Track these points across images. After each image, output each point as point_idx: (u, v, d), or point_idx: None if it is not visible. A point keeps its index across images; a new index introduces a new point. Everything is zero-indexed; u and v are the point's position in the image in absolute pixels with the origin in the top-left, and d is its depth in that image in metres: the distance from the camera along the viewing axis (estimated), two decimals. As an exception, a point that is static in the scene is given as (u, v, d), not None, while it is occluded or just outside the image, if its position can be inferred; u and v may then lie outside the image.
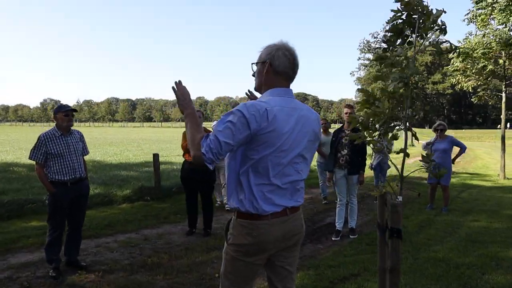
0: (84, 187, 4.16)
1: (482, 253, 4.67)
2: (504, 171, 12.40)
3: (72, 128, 4.09)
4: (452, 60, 12.38)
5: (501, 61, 11.42)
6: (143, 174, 10.31)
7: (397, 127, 2.51)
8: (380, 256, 2.64)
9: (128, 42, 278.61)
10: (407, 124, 2.41)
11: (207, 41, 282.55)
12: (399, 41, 2.67)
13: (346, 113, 5.59)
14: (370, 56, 77.92)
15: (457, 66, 12.01)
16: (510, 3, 9.64)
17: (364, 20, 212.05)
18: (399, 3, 2.48)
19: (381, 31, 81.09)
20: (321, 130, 7.75)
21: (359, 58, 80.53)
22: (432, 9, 2.45)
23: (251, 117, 1.75)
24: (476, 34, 11.72)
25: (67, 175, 3.92)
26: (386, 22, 2.73)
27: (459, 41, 12.12)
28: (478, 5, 10.96)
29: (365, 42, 76.73)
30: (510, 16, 9.53)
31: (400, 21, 2.54)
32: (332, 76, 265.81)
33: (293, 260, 2.11)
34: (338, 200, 5.77)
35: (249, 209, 1.87)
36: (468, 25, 11.75)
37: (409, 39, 2.66)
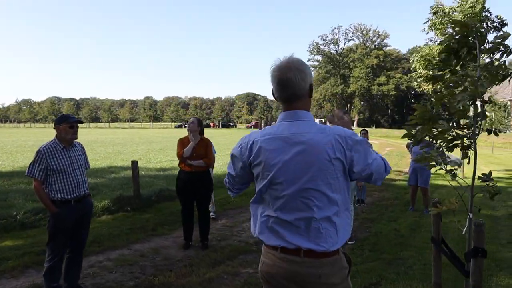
0: (88, 205, 3.79)
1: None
2: (463, 170, 13.13)
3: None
4: (414, 66, 12.99)
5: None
6: (114, 182, 9.73)
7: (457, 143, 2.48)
8: (435, 271, 2.63)
9: (69, 42, 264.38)
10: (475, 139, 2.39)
11: (154, 40, 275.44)
12: (454, 61, 2.65)
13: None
14: (319, 57, 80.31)
15: (420, 73, 12.62)
16: (467, 15, 10.29)
17: (313, 22, 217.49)
18: (454, 24, 2.48)
19: (329, 34, 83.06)
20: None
21: (309, 60, 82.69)
22: (489, 29, 2.47)
23: (239, 149, 1.84)
24: (434, 41, 12.41)
25: (71, 193, 3.54)
26: (439, 43, 2.70)
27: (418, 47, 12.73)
28: (436, 15, 11.59)
29: (315, 44, 79.04)
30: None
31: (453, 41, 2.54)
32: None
33: None
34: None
35: (259, 237, 1.84)
36: (427, 33, 12.40)
37: (462, 59, 2.64)
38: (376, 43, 79.60)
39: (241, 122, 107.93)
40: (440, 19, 11.40)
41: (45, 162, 3.45)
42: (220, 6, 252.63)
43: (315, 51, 79.99)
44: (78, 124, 3.67)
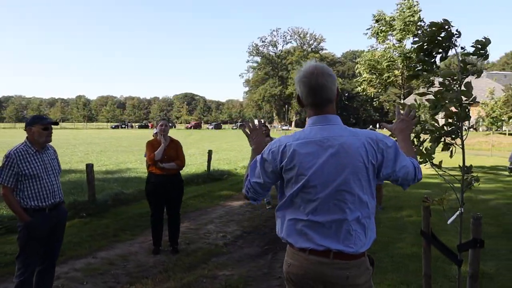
0: (62, 213, 3.53)
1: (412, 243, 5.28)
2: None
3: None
4: (357, 70, 13.70)
5: (396, 72, 13.04)
6: (62, 187, 9.07)
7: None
8: (426, 263, 2.82)
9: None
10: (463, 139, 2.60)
11: (84, 39, 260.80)
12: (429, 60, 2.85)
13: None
14: (258, 59, 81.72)
15: (365, 77, 13.32)
16: (406, 23, 11.07)
17: (250, 23, 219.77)
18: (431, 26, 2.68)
19: (268, 36, 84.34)
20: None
21: (248, 61, 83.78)
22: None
23: (270, 154, 1.80)
24: (376, 48, 13.18)
25: (46, 200, 3.28)
26: (412, 43, 2.90)
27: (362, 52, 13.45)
28: (379, 23, 12.33)
29: (254, 45, 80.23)
30: (407, 34, 10.99)
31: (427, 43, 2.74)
32: (219, 77, 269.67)
33: None
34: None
35: (286, 240, 1.85)
36: (369, 39, 13.14)
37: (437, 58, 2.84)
38: (313, 47, 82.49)
39: (181, 123, 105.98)
40: (382, 27, 12.13)
41: (16, 167, 3.16)
42: (156, 5, 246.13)
43: (254, 52, 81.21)
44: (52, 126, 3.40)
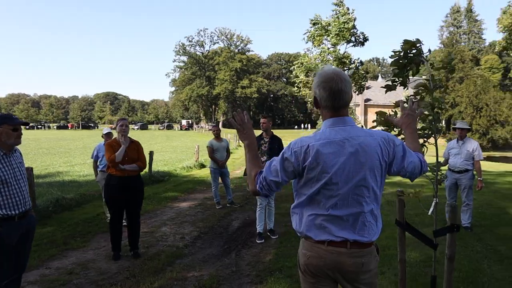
0: (32, 221, 3.27)
1: (386, 236, 5.75)
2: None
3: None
4: (295, 72, 14.24)
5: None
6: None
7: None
8: (401, 249, 3.12)
9: None
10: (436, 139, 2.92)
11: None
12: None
13: (263, 123, 5.96)
14: (185, 58, 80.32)
15: (302, 79, 13.88)
16: (341, 29, 11.83)
17: (178, 23, 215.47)
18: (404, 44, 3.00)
19: (195, 35, 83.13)
20: (215, 136, 7.95)
21: (174, 60, 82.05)
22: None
23: (293, 155, 1.90)
24: (311, 51, 13.85)
25: (15, 208, 3.02)
26: (391, 64, 3.21)
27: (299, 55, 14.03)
28: (315, 26, 12.97)
29: (181, 44, 78.71)
30: (342, 40, 11.73)
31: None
32: (143, 76, 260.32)
33: None
34: (258, 204, 6.04)
35: (304, 234, 1.98)
36: (306, 42, 13.76)
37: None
38: (239, 48, 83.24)
39: (104, 123, 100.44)
40: (317, 31, 12.79)
41: (-18, 171, 2.88)
42: (75, 1, 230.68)
43: (181, 51, 79.76)
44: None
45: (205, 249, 5.48)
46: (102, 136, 6.59)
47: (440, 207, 5.34)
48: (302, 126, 79.86)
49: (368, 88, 51.77)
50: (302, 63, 12.72)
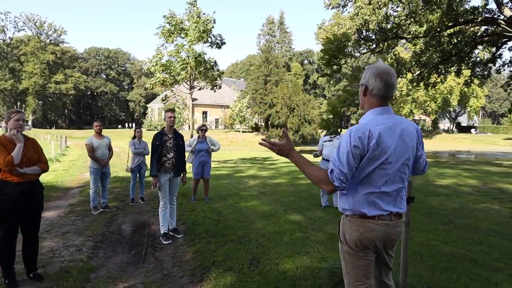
0: None
1: (281, 222, 6.27)
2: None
3: None
4: (147, 69, 13.64)
5: (184, 73, 13.80)
6: None
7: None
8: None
9: None
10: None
11: None
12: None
13: (170, 117, 5.69)
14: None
15: (159, 77, 13.36)
16: (201, 31, 11.97)
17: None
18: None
19: None
20: (97, 133, 7.11)
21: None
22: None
23: (359, 140, 2.10)
24: (166, 47, 13.53)
25: None
26: (321, 51, 3.63)
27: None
28: (170, 24, 12.72)
29: None
30: (200, 41, 11.90)
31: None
32: None
33: (392, 260, 2.39)
34: (162, 203, 5.74)
35: (358, 211, 2.20)
36: (160, 38, 13.31)
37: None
38: (52, 38, 74.00)
39: None
40: (172, 28, 12.58)
41: None
42: None
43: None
44: None
45: (113, 258, 4.93)
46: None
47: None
48: (127, 125, 76.20)
49: (193, 88, 53.54)
50: (157, 61, 12.32)
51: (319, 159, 7.65)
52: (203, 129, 8.24)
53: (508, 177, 12.39)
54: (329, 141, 7.34)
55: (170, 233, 5.77)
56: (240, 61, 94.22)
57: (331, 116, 3.41)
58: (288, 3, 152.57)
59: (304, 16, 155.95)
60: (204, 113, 61.99)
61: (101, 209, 7.28)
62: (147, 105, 75.30)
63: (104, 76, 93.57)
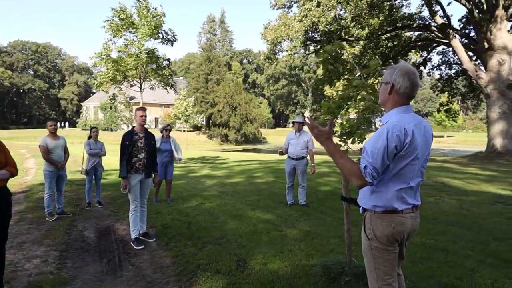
0: None
1: (253, 222, 6.25)
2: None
3: None
4: (94, 65, 12.91)
5: (131, 72, 13.23)
6: None
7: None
8: (347, 221, 3.68)
9: None
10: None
11: None
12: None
13: (141, 116, 5.43)
14: None
15: (108, 74, 12.69)
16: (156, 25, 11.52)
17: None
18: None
19: None
20: (52, 133, 6.57)
21: None
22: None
23: (397, 137, 2.16)
24: (113, 42, 12.87)
25: None
26: (319, 62, 3.72)
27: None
28: (118, 13, 12.10)
29: None
30: (152, 36, 11.48)
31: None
32: None
33: (406, 249, 2.51)
34: (132, 207, 5.46)
35: (391, 207, 2.27)
36: (106, 32, 12.62)
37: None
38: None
39: None
40: (121, 22, 11.99)
41: None
42: None
43: None
44: None
45: (84, 268, 4.59)
46: None
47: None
48: (59, 125, 71.38)
49: (132, 86, 51.59)
50: (106, 56, 11.61)
51: (284, 157, 7.73)
52: (167, 129, 7.96)
53: (445, 171, 13.39)
54: (294, 139, 7.46)
55: (141, 237, 5.50)
56: (179, 59, 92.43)
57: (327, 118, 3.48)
58: (228, 2, 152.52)
59: (244, 16, 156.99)
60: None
61: (56, 215, 6.75)
62: (82, 104, 71.20)
63: (32, 72, 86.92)
